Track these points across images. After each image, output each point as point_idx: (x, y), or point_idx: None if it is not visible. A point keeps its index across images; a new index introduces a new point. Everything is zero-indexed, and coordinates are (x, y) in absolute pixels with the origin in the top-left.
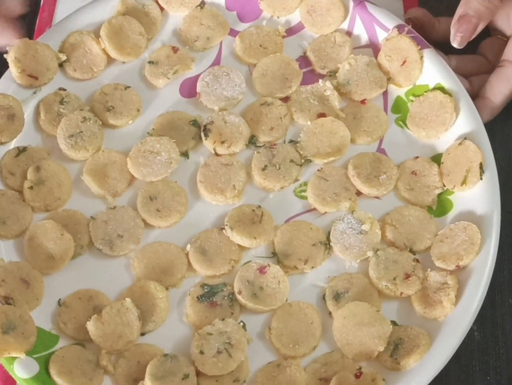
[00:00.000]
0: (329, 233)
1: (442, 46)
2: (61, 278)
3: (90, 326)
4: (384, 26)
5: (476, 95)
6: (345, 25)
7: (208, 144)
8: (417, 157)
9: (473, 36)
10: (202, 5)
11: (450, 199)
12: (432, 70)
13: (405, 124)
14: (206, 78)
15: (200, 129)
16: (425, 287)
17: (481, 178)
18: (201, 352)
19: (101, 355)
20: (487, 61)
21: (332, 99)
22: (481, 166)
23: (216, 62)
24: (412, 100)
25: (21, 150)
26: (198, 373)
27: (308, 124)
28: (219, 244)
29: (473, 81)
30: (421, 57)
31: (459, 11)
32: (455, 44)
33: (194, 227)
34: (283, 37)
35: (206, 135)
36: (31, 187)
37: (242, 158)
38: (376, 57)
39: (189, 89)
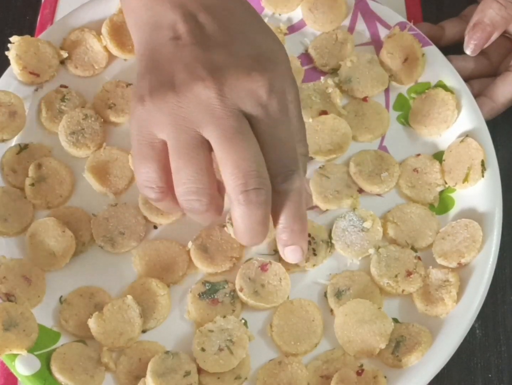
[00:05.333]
0: (330, 231)
1: (443, 47)
2: (62, 275)
3: (92, 323)
4: (386, 24)
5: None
6: (346, 23)
7: None
8: (418, 154)
9: (487, 45)
10: None
11: (452, 196)
12: (434, 68)
13: (407, 122)
14: None
15: None
16: (426, 285)
17: (483, 176)
18: (203, 349)
19: (103, 352)
20: (489, 62)
21: (333, 96)
22: (482, 164)
23: None
24: (413, 98)
25: (22, 148)
26: (200, 370)
27: (309, 121)
28: (221, 241)
29: (474, 84)
30: (423, 55)
31: (474, 18)
32: (468, 51)
33: (195, 224)
34: (285, 34)
35: None
36: (32, 185)
37: None
38: (378, 54)
39: None
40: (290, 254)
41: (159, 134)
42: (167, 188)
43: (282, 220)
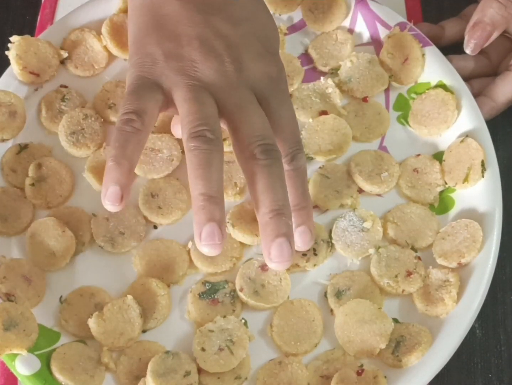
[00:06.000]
0: (331, 231)
1: (443, 47)
2: (62, 275)
3: (92, 323)
4: (386, 24)
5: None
6: (347, 23)
7: None
8: (418, 155)
9: (487, 44)
10: None
11: (452, 197)
12: (434, 68)
13: (407, 122)
14: None
15: None
16: (426, 285)
17: (483, 176)
18: (203, 349)
19: (103, 352)
20: (489, 61)
21: (333, 96)
22: (482, 164)
23: None
24: (413, 98)
25: (22, 148)
26: (200, 370)
27: (309, 121)
28: None
29: (474, 84)
30: (423, 55)
31: (474, 17)
32: (468, 50)
33: None
34: (285, 34)
35: None
36: (32, 185)
37: None
38: (378, 54)
39: None
40: (301, 236)
41: (168, 91)
42: (145, 130)
43: (292, 197)
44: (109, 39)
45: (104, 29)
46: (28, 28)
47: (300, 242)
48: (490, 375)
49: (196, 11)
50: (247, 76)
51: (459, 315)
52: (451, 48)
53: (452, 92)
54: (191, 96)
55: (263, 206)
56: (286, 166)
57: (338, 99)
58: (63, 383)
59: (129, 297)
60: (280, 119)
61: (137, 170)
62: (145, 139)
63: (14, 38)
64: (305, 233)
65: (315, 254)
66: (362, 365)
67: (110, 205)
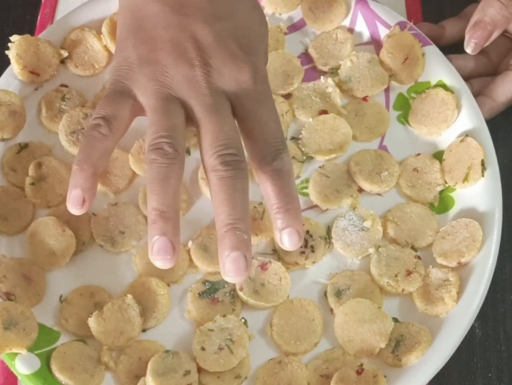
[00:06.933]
0: (328, 227)
1: (444, 46)
2: (62, 274)
3: (92, 322)
4: (386, 23)
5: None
6: (347, 22)
7: None
8: (418, 154)
9: (487, 44)
10: None
11: (452, 196)
12: (434, 67)
13: (407, 121)
14: None
15: None
16: (426, 284)
17: (483, 176)
18: (203, 349)
19: (103, 351)
20: (489, 61)
21: (334, 96)
22: (482, 163)
23: None
24: (414, 97)
25: (22, 147)
26: (200, 370)
27: (309, 121)
28: None
29: (474, 83)
30: (423, 54)
31: (475, 17)
32: (468, 50)
33: (195, 223)
34: (285, 33)
35: None
36: (32, 184)
37: None
38: (378, 54)
39: None
40: (287, 238)
41: (139, 97)
42: (112, 136)
43: (275, 200)
44: (109, 38)
45: (104, 29)
46: (28, 27)
47: (287, 243)
48: (490, 375)
49: (173, 12)
50: (217, 80)
51: (459, 314)
52: (451, 48)
53: (452, 92)
54: (157, 105)
55: (219, 219)
56: (267, 168)
57: (338, 98)
58: (63, 382)
59: (129, 296)
60: (258, 120)
61: (137, 170)
62: (113, 144)
63: (14, 38)
64: (291, 234)
65: (313, 251)
66: (362, 365)
67: (72, 208)
